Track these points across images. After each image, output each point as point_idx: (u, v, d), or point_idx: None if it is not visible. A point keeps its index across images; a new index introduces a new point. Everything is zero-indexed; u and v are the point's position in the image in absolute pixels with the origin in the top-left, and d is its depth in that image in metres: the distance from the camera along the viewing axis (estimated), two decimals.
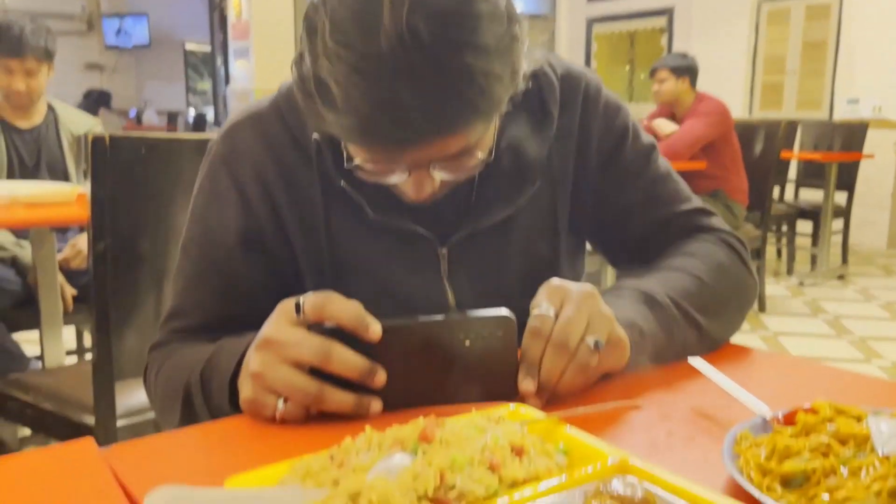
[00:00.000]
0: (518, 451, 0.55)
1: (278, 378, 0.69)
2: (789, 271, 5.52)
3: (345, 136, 0.75)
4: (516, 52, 0.73)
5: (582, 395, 0.75)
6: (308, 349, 0.68)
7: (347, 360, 0.68)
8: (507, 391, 0.71)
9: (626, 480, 0.52)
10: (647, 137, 1.03)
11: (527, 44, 0.75)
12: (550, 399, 0.72)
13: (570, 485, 0.53)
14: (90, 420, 1.54)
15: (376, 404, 0.70)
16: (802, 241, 5.72)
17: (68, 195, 2.15)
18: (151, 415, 1.60)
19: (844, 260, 5.51)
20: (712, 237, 1.00)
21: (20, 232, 2.52)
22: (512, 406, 0.66)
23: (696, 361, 0.81)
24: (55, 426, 1.63)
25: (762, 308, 4.43)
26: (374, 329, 0.68)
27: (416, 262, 0.92)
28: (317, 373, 0.69)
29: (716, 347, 0.92)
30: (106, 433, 1.52)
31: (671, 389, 0.80)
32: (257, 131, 0.92)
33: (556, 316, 0.73)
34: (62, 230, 2.62)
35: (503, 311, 0.70)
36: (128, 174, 1.48)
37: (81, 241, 2.55)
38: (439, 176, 0.79)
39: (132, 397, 1.62)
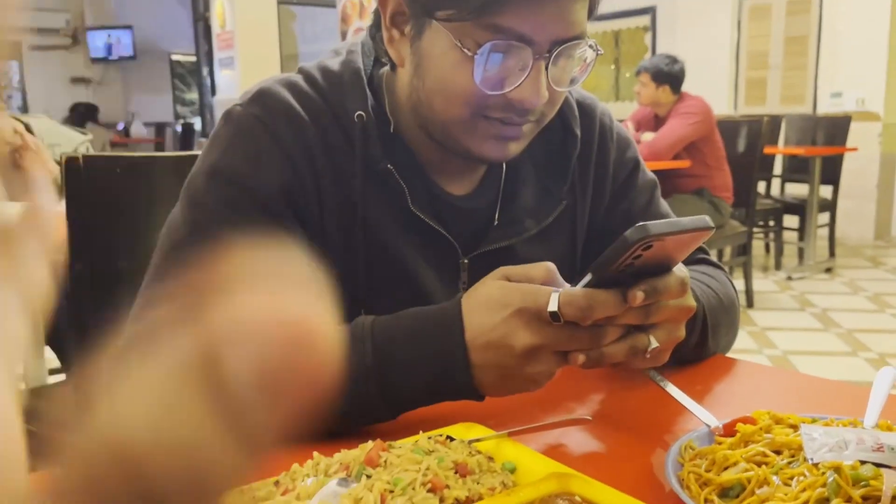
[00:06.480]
0: (462, 471, 0.57)
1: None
2: (777, 266, 5.54)
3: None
4: None
5: (533, 409, 0.76)
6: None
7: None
8: None
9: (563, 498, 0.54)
10: (649, 172, 1.05)
11: None
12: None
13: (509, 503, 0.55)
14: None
15: None
16: (790, 236, 5.75)
17: None
18: None
19: (832, 253, 5.54)
20: (711, 269, 1.00)
21: None
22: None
23: (650, 372, 0.83)
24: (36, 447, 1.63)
25: (750, 304, 4.45)
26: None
27: (439, 265, 0.91)
28: None
29: (695, 362, 0.92)
30: None
31: (624, 401, 0.82)
32: (294, 95, 0.87)
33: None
34: None
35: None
36: (104, 194, 1.49)
37: None
38: (552, 77, 0.80)
39: None
